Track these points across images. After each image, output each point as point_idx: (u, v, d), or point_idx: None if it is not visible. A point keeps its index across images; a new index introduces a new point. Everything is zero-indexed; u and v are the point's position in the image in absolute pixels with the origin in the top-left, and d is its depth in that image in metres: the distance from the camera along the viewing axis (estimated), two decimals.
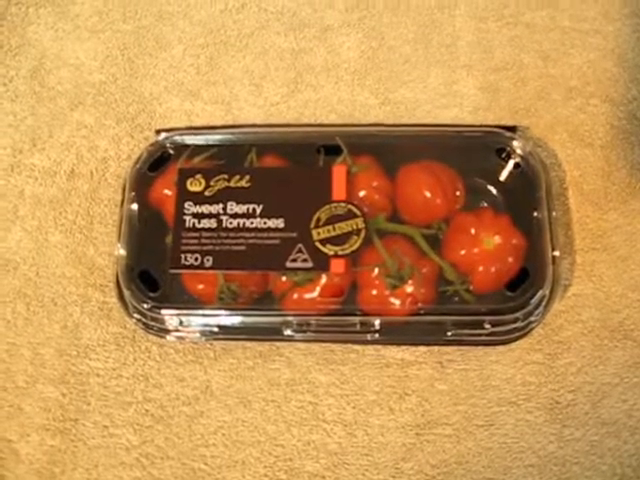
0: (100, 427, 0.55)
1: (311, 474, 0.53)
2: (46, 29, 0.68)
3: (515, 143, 0.56)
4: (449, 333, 0.53)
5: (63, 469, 0.54)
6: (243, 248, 0.52)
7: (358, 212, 0.52)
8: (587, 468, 0.52)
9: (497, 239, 0.53)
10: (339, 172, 0.54)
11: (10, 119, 0.64)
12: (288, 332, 0.54)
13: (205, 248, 0.52)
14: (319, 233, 0.52)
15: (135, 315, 0.55)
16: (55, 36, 0.67)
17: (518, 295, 0.52)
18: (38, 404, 0.55)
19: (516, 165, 0.56)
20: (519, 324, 0.52)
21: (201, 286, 0.54)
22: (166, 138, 0.58)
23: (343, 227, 0.52)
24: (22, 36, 0.67)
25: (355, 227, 0.52)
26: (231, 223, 0.53)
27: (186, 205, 0.54)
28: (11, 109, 0.65)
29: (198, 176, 0.54)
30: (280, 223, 0.52)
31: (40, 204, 0.61)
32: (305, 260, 0.51)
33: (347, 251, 0.52)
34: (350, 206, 0.52)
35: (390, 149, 0.56)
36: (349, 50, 0.65)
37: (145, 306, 0.53)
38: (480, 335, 0.53)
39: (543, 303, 0.53)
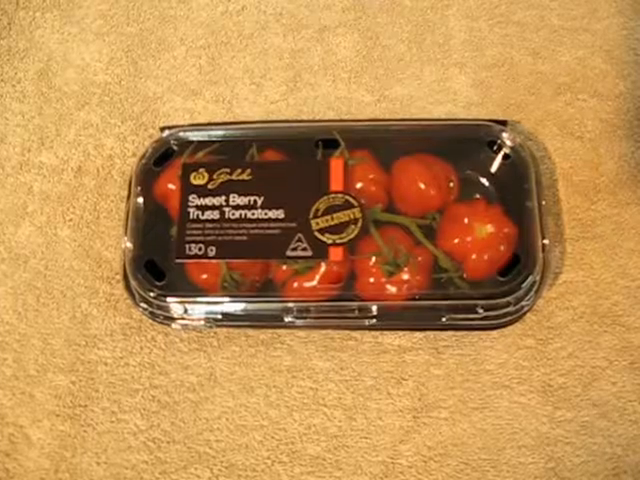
0: (108, 413, 0.56)
1: (312, 457, 0.55)
2: (52, 32, 0.70)
3: (505, 136, 0.58)
4: (444, 318, 0.55)
5: (73, 453, 0.55)
6: (245, 238, 0.54)
7: (355, 202, 0.54)
8: (578, 448, 0.54)
9: (489, 228, 0.54)
10: (336, 165, 0.56)
11: (19, 119, 0.67)
12: (289, 318, 0.55)
13: (209, 238, 0.54)
14: (318, 223, 0.54)
15: (142, 304, 0.57)
16: (61, 39, 0.69)
17: (509, 280, 0.54)
18: (49, 391, 0.57)
19: (507, 157, 0.58)
20: (511, 308, 0.54)
21: (205, 275, 0.56)
22: (170, 135, 0.60)
23: (341, 217, 0.54)
24: (29, 39, 0.70)
25: (352, 217, 0.54)
26: (233, 214, 0.55)
27: (190, 198, 0.56)
28: (19, 109, 0.67)
29: (201, 170, 0.56)
30: (280, 214, 0.54)
31: (48, 200, 0.63)
32: (305, 249, 0.53)
33: (345, 240, 0.53)
34: (347, 197, 0.54)
35: (386, 143, 0.58)
36: (345, 49, 0.67)
37: (151, 295, 0.55)
38: (474, 320, 0.55)
39: (534, 288, 0.54)
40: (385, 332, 0.57)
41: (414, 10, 0.68)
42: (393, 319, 0.56)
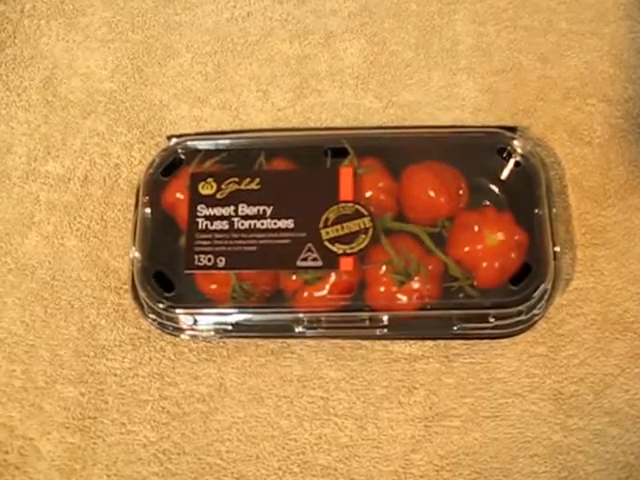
0: (118, 424, 0.56)
1: (323, 467, 0.54)
2: (57, 40, 0.69)
3: (515, 143, 0.58)
4: (455, 327, 0.55)
5: (83, 465, 0.55)
6: (254, 248, 0.54)
7: (365, 212, 0.54)
8: (591, 456, 0.54)
9: (500, 236, 0.54)
10: (346, 173, 0.55)
11: (24, 128, 0.66)
12: (299, 329, 0.55)
13: (218, 249, 0.54)
14: (328, 232, 0.54)
15: (151, 315, 0.56)
16: (66, 47, 0.69)
17: (521, 289, 0.53)
18: (58, 403, 0.57)
19: (517, 164, 0.57)
20: (522, 317, 0.54)
21: (214, 286, 0.55)
22: (178, 143, 0.60)
23: (351, 226, 0.54)
24: (34, 47, 0.69)
25: (362, 226, 0.54)
26: (242, 224, 0.55)
27: (199, 208, 0.55)
28: (25, 118, 0.67)
29: (210, 180, 0.56)
30: (290, 224, 0.54)
31: (55, 210, 0.63)
32: (315, 259, 0.53)
33: (355, 249, 0.53)
34: (357, 206, 0.54)
35: (394, 151, 0.58)
36: (352, 55, 0.67)
37: (160, 306, 0.55)
38: (485, 329, 0.55)
39: (545, 297, 0.54)
40: (396, 341, 0.57)
41: (421, 15, 0.68)
42: (404, 328, 0.56)
